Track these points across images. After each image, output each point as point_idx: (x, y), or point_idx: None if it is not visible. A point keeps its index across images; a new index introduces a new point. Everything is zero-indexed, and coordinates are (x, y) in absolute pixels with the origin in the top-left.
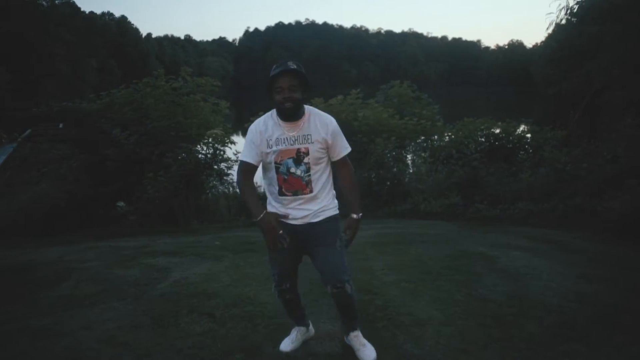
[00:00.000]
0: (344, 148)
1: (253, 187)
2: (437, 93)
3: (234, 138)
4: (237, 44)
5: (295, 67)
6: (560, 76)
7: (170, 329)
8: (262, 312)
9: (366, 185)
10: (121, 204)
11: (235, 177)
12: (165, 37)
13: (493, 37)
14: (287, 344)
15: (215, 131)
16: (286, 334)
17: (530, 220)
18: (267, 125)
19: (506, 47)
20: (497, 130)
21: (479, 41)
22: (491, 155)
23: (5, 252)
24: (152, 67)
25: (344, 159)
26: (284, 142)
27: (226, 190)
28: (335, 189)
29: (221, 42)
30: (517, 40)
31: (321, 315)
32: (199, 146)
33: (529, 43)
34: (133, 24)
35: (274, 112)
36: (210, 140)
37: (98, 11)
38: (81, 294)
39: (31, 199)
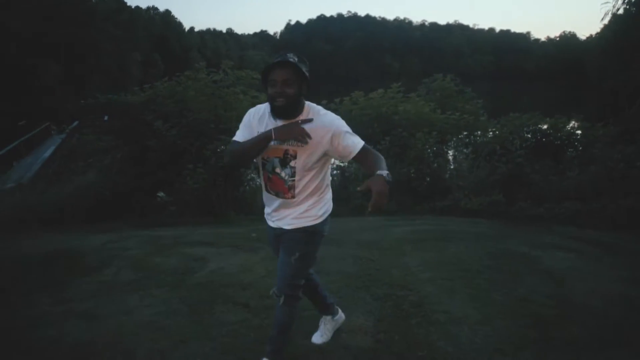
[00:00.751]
0: (355, 144)
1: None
2: (482, 87)
3: None
4: (278, 37)
5: (294, 59)
6: (615, 69)
7: (206, 317)
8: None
9: (405, 181)
10: (161, 194)
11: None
12: (208, 30)
13: (544, 28)
14: (317, 337)
15: None
16: (318, 326)
17: (578, 220)
18: (263, 116)
19: (558, 39)
20: (545, 126)
21: (528, 33)
22: (538, 152)
23: (53, 239)
24: (194, 60)
25: (363, 150)
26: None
27: None
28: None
29: (262, 35)
30: (570, 32)
31: (356, 309)
32: None
33: (582, 35)
34: (177, 18)
35: (266, 107)
36: None
37: (143, 5)
38: (122, 281)
39: (78, 189)
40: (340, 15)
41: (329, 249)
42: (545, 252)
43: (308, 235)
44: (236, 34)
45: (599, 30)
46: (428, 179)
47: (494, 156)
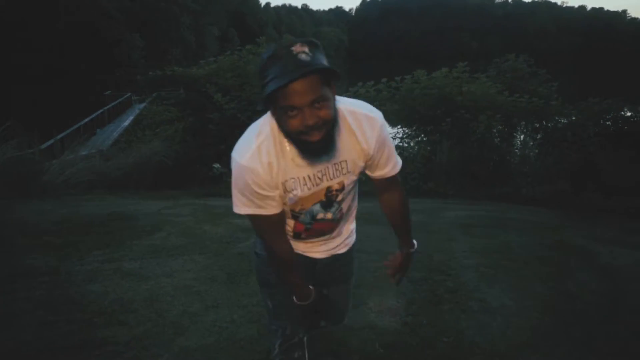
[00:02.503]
0: (394, 163)
1: (290, 260)
2: (568, 70)
3: None
4: (353, 14)
5: (308, 52)
6: None
7: (241, 286)
8: None
9: (464, 164)
10: (217, 165)
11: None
12: (283, 6)
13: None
14: None
15: None
16: (356, 300)
17: None
18: (271, 163)
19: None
20: (628, 114)
21: (624, 12)
22: (618, 141)
23: (116, 202)
24: (269, 36)
25: (393, 178)
26: (306, 184)
27: None
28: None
29: (337, 11)
30: None
31: (389, 290)
32: None
33: None
34: None
35: (277, 135)
36: None
37: None
38: (170, 245)
39: (143, 156)
40: None
41: (373, 228)
42: (606, 248)
43: (354, 250)
44: (311, 10)
45: None
46: (491, 164)
47: (564, 143)
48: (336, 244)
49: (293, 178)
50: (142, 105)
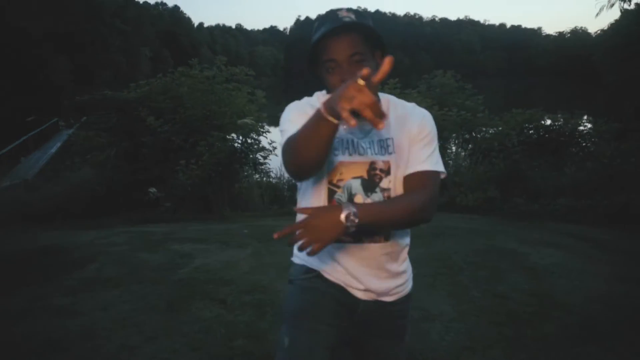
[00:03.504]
0: (432, 163)
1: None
2: (494, 83)
3: (271, 128)
4: (287, 33)
5: (353, 17)
6: (619, 66)
7: (181, 314)
8: (272, 301)
9: None
10: (153, 189)
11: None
12: (217, 26)
13: (555, 24)
14: None
15: (245, 120)
16: None
17: (572, 217)
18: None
19: (569, 35)
20: (548, 122)
21: (539, 29)
22: (539, 149)
23: (45, 234)
24: (203, 56)
25: (423, 175)
26: (348, 148)
27: (260, 179)
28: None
29: (272, 31)
30: (582, 28)
31: None
32: (234, 135)
33: (592, 30)
34: (185, 14)
35: (322, 94)
36: (243, 129)
37: (152, 1)
38: (104, 277)
39: (73, 185)
40: None
41: None
42: (534, 249)
43: (410, 300)
44: (246, 30)
45: (607, 26)
46: None
47: (492, 153)
48: (380, 281)
49: (338, 138)
50: (70, 131)
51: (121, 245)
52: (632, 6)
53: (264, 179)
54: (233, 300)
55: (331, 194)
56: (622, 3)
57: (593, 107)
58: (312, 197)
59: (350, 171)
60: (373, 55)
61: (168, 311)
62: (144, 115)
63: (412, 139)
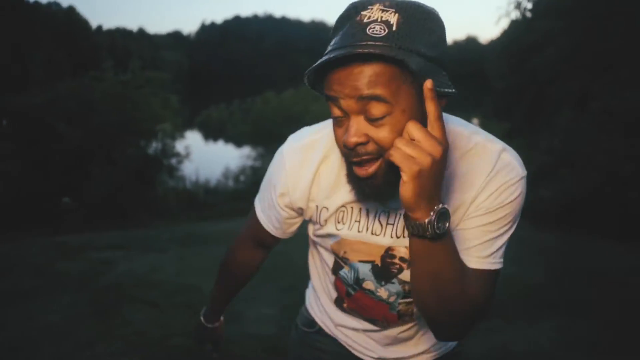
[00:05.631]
0: (496, 256)
1: (236, 279)
2: None
3: (187, 133)
4: (192, 38)
5: (383, 33)
6: (509, 71)
7: (113, 318)
8: (204, 300)
9: None
10: (66, 199)
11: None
12: (118, 29)
13: (449, 32)
14: None
15: (164, 126)
16: (227, 317)
17: None
18: (319, 172)
19: (463, 42)
20: None
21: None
22: None
23: None
24: (103, 59)
25: (482, 273)
26: (358, 221)
27: (176, 184)
28: None
29: (176, 35)
30: (473, 35)
31: (262, 300)
32: (148, 141)
33: (484, 39)
34: (82, 15)
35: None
36: (160, 135)
37: (43, 0)
38: (23, 288)
39: None
40: (256, 16)
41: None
42: None
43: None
44: (148, 34)
45: (499, 34)
46: None
47: None
48: (413, 350)
49: (344, 206)
50: None
51: (37, 256)
52: (520, 17)
53: (180, 184)
54: (164, 301)
55: (337, 266)
56: (516, 12)
57: (482, 110)
58: (318, 256)
59: (356, 253)
60: (416, 104)
61: (98, 317)
62: (53, 122)
63: (475, 212)
